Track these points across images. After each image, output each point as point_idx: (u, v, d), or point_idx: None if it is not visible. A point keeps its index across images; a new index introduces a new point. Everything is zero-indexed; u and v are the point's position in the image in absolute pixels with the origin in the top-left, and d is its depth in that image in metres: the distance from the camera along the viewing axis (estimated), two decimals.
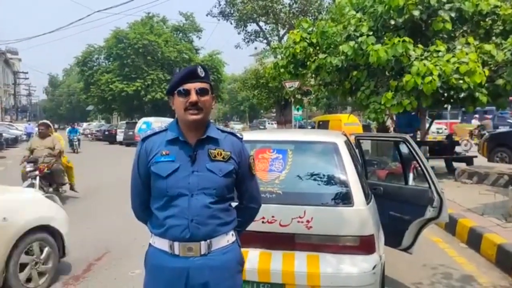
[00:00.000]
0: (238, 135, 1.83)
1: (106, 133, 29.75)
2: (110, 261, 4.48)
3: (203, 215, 1.64)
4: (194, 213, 1.63)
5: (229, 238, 1.74)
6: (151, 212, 1.75)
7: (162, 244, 1.69)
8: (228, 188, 1.73)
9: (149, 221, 1.78)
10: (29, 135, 23.81)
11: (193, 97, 1.65)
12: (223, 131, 1.79)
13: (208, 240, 1.65)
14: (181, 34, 37.87)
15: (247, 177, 1.83)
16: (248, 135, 3.26)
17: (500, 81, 8.04)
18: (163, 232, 1.67)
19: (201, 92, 1.67)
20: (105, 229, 5.85)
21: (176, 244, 1.65)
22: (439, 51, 7.80)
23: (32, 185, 6.77)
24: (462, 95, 7.87)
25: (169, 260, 1.66)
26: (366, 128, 16.60)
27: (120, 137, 26.25)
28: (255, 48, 32.46)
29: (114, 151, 21.67)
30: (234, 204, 1.83)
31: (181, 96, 1.67)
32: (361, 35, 8.30)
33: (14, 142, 23.86)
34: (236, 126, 35.62)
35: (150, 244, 1.76)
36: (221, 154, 1.70)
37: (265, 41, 28.72)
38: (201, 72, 1.69)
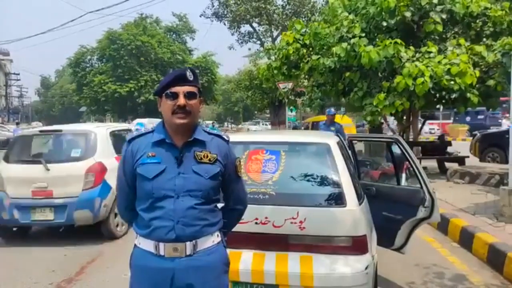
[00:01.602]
0: (225, 137, 1.83)
1: None
2: (102, 264, 4.46)
3: (189, 216, 1.64)
4: (180, 214, 1.64)
5: (215, 238, 1.74)
6: (136, 213, 1.74)
7: (147, 245, 1.68)
8: (214, 190, 1.73)
9: (135, 222, 1.77)
10: None
11: (181, 100, 1.65)
12: (209, 133, 1.80)
13: (193, 241, 1.66)
14: (174, 35, 37.73)
15: (233, 180, 1.84)
16: (241, 137, 3.27)
17: (491, 82, 8.12)
18: (148, 233, 1.67)
19: (189, 95, 1.67)
20: (98, 232, 5.80)
21: (161, 244, 1.65)
22: (430, 52, 7.87)
23: None
24: (453, 95, 7.93)
25: (154, 261, 1.66)
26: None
27: None
28: (249, 49, 32.44)
29: None
30: (220, 205, 1.83)
31: (169, 99, 1.67)
32: (354, 36, 8.34)
33: (5, 144, 23.55)
34: (252, 127, 34.55)
35: (135, 245, 1.76)
36: (207, 156, 1.71)
37: (258, 42, 28.74)
38: (190, 75, 1.69)
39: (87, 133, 5.40)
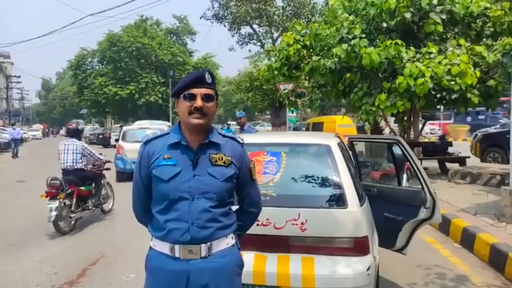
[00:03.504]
0: (239, 140, 1.84)
1: (100, 136, 29.56)
2: (105, 266, 4.47)
3: (203, 218, 1.66)
4: (195, 216, 1.65)
5: (229, 241, 1.75)
6: (152, 215, 1.76)
7: (162, 247, 1.70)
8: (229, 192, 1.74)
9: (150, 224, 1.79)
10: (14, 141, 20.22)
11: (199, 102, 1.66)
12: (224, 136, 1.81)
13: (208, 243, 1.67)
14: (174, 37, 37.81)
15: (248, 182, 1.84)
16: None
17: (491, 82, 8.12)
18: (163, 235, 1.68)
19: (206, 98, 1.68)
20: (100, 233, 5.82)
21: (176, 247, 1.66)
22: (431, 53, 7.87)
23: None
24: (454, 96, 7.94)
25: (169, 263, 1.67)
26: (360, 129, 16.67)
27: (114, 140, 26.12)
28: (249, 50, 32.36)
29: (108, 154, 21.51)
30: (234, 207, 1.84)
31: (187, 100, 1.68)
32: (354, 37, 8.34)
33: (7, 146, 23.61)
34: (269, 128, 34.08)
35: (150, 247, 1.78)
36: (222, 158, 1.72)
37: (259, 43, 28.74)
38: (208, 78, 1.71)
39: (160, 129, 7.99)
